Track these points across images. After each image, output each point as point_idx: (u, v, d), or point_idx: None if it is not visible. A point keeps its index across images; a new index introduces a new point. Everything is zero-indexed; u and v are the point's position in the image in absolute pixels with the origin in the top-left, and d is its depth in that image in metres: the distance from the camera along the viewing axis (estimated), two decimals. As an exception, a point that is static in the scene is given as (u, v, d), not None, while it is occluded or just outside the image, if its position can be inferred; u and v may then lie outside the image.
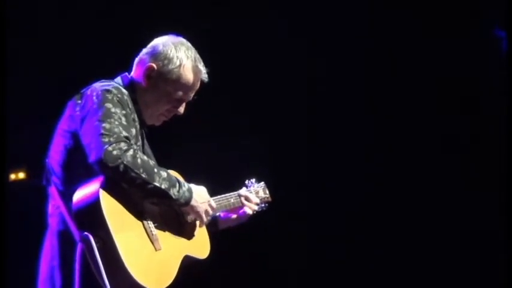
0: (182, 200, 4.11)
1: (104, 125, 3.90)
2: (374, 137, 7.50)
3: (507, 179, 5.37)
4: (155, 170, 3.98)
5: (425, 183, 7.44)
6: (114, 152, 3.84)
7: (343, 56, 7.42)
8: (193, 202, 4.15)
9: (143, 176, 3.91)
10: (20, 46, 6.46)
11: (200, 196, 4.22)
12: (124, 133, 3.92)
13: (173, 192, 4.04)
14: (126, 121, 4.00)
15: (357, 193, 7.48)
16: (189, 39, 4.35)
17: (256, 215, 4.80)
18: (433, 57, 7.34)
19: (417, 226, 7.40)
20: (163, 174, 4.01)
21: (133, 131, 4.07)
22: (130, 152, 3.88)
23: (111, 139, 3.86)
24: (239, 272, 7.42)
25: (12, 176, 6.78)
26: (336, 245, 7.51)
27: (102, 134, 3.87)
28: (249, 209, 4.70)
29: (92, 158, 3.88)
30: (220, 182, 4.63)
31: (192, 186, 4.19)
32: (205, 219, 4.26)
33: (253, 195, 4.76)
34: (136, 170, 3.89)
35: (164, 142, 4.67)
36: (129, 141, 3.93)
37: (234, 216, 4.68)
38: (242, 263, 7.40)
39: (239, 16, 7.26)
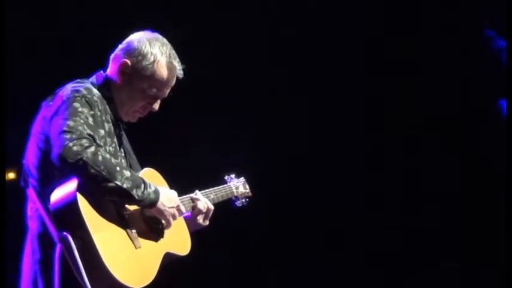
0: (146, 201, 4.04)
1: (68, 122, 3.90)
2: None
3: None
4: (117, 168, 3.93)
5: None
6: (75, 148, 3.83)
7: (338, 58, 7.44)
8: (159, 205, 4.09)
9: (103, 173, 3.87)
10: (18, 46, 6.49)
11: (169, 200, 4.15)
12: (88, 131, 3.91)
13: (136, 192, 3.98)
14: (93, 121, 4.00)
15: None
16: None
17: (238, 210, 4.81)
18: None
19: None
20: (127, 173, 3.96)
21: (102, 131, 4.06)
22: (92, 148, 3.85)
23: (73, 136, 3.86)
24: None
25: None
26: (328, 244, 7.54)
27: (64, 131, 3.87)
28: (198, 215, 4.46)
29: (53, 154, 3.89)
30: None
31: (161, 189, 4.13)
32: (171, 223, 4.19)
33: (204, 199, 4.50)
34: (96, 167, 3.85)
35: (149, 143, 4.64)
36: (93, 139, 3.91)
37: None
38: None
39: (236, 18, 7.27)
